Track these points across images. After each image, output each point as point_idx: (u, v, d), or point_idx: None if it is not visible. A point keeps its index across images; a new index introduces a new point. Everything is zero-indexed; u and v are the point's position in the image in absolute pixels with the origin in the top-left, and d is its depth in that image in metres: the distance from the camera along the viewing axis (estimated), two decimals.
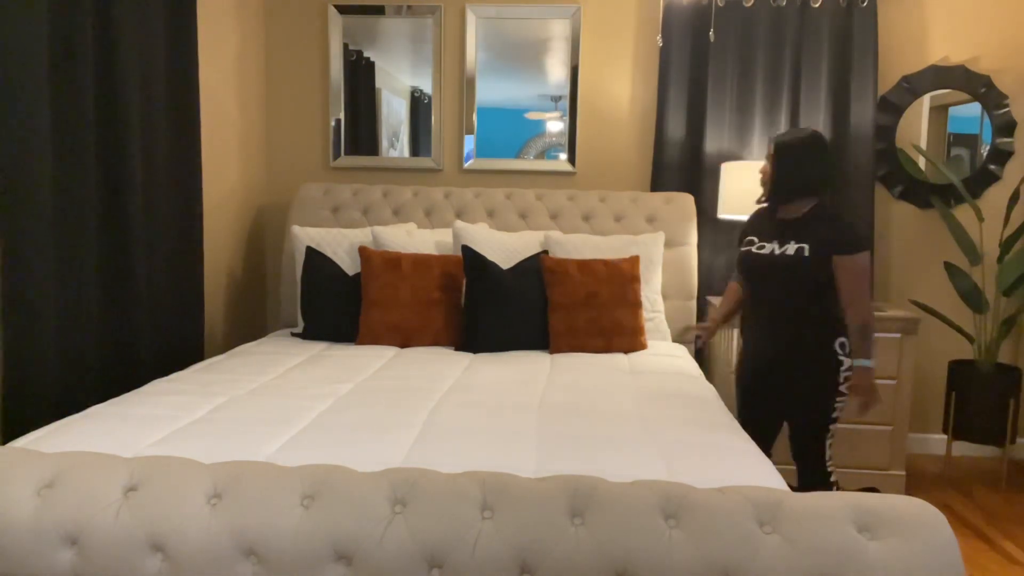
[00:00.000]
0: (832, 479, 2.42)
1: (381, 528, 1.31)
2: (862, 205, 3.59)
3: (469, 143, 3.83)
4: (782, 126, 3.63)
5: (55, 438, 1.77)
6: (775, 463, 1.89)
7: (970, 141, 3.73)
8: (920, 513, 1.30)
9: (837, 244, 2.28)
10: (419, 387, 2.35)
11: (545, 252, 3.21)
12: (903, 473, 3.26)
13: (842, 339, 2.32)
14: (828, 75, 3.58)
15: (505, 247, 3.19)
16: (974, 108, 3.65)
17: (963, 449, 3.74)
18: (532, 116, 3.80)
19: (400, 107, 3.86)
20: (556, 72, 3.76)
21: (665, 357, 2.93)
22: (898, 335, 3.21)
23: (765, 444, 2.53)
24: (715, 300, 3.49)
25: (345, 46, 3.82)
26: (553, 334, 2.98)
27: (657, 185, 3.70)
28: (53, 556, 1.34)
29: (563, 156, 3.81)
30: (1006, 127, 3.62)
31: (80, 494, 1.36)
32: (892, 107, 3.65)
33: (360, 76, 3.84)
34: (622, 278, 3.03)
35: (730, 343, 3.24)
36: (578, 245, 3.21)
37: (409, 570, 1.29)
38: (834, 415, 2.36)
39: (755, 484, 1.49)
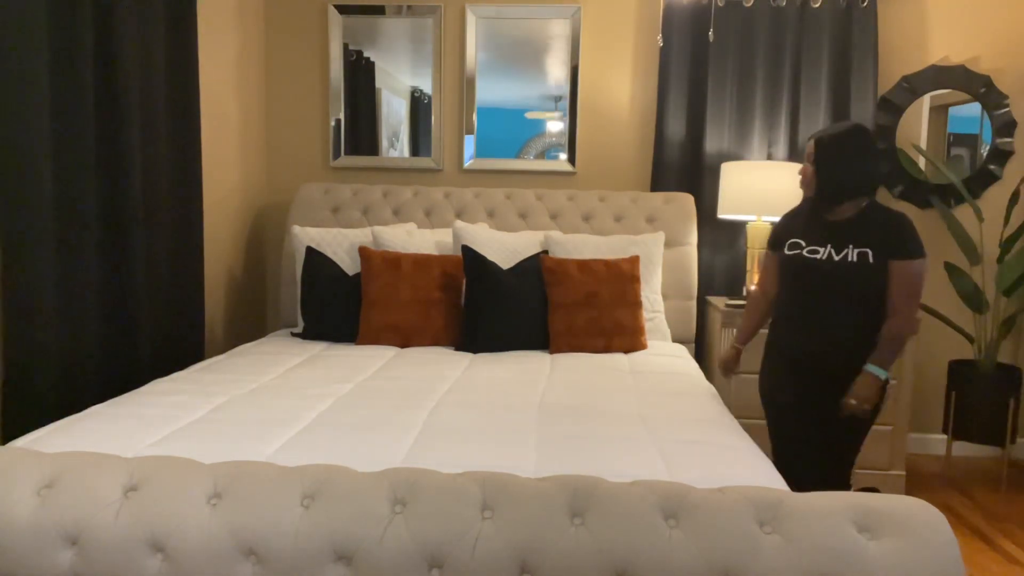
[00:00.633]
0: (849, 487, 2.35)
1: (381, 528, 1.30)
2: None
3: (469, 143, 3.83)
4: (782, 126, 3.63)
5: (55, 438, 1.77)
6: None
7: (970, 141, 3.73)
8: (920, 513, 1.30)
9: (897, 247, 2.13)
10: (419, 387, 2.35)
11: (545, 252, 3.21)
12: (903, 473, 3.26)
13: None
14: (828, 75, 3.58)
15: (505, 247, 3.19)
16: (974, 108, 3.65)
17: (963, 449, 3.74)
18: (532, 116, 3.80)
19: (400, 107, 3.86)
20: (556, 72, 3.76)
21: (665, 357, 2.93)
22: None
23: (800, 463, 2.28)
24: (716, 300, 3.49)
25: (345, 46, 3.82)
26: (553, 334, 2.98)
27: (657, 185, 3.70)
28: (53, 556, 1.34)
29: (563, 156, 3.81)
30: (1006, 127, 3.62)
31: (80, 494, 1.36)
32: (892, 107, 3.65)
33: (360, 76, 3.84)
34: (622, 278, 3.03)
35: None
36: (578, 245, 3.21)
37: (409, 570, 1.28)
38: (867, 430, 2.27)
39: (755, 484, 1.49)
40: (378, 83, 3.84)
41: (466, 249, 3.04)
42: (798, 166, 3.39)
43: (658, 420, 2.07)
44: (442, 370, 2.60)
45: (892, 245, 2.13)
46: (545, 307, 3.02)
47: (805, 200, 2.31)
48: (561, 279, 3.00)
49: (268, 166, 3.94)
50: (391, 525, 1.31)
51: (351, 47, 3.82)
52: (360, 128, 3.88)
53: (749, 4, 3.57)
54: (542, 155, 3.83)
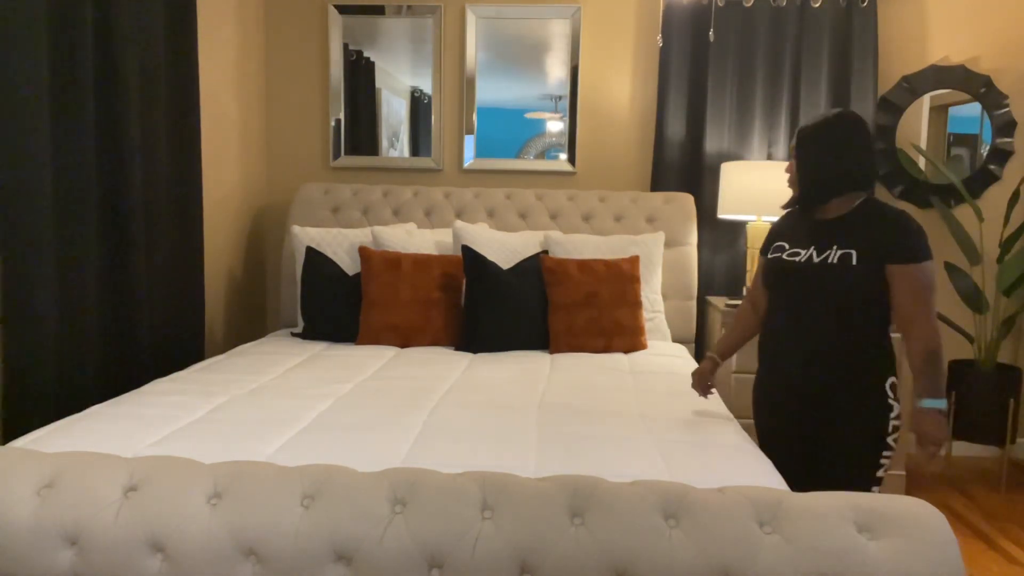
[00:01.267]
0: None
1: (381, 528, 1.30)
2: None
3: (469, 143, 3.83)
4: (782, 126, 3.63)
5: (55, 438, 1.77)
6: (774, 463, 1.89)
7: (970, 141, 3.73)
8: (920, 513, 1.30)
9: (892, 250, 1.87)
10: (419, 387, 2.35)
11: (545, 252, 3.21)
12: (903, 473, 3.26)
13: (893, 379, 1.94)
14: (828, 75, 3.58)
15: (505, 247, 3.19)
16: (974, 108, 3.65)
17: (963, 449, 3.74)
18: (532, 116, 3.80)
19: (400, 107, 3.86)
20: (556, 72, 3.76)
21: (665, 357, 2.93)
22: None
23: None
24: (716, 300, 3.49)
25: (345, 46, 3.82)
26: (553, 334, 2.98)
27: (657, 185, 3.70)
28: (53, 556, 1.34)
29: (563, 156, 3.81)
30: (1006, 127, 3.62)
31: (80, 494, 1.36)
32: (892, 107, 3.65)
33: (360, 76, 3.84)
34: (622, 278, 3.03)
35: None
36: (578, 245, 3.21)
37: (409, 570, 1.28)
38: (878, 474, 1.95)
39: (755, 484, 1.49)
40: (378, 83, 3.84)
41: (466, 249, 3.04)
42: None
43: (658, 420, 2.07)
44: (442, 370, 2.60)
45: (886, 247, 1.87)
46: (545, 307, 3.02)
47: (792, 199, 2.08)
48: (561, 279, 3.00)
49: (268, 166, 3.94)
50: (391, 525, 1.31)
51: (351, 47, 3.82)
52: (360, 128, 3.88)
53: (749, 4, 3.57)
54: (542, 155, 3.83)
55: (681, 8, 3.61)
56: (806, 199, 2.02)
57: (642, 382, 2.52)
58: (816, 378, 1.97)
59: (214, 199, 3.40)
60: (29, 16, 2.13)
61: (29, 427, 2.11)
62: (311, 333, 3.11)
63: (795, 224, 2.07)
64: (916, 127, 3.69)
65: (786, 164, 3.37)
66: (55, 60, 2.25)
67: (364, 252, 3.09)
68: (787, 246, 2.04)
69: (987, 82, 3.59)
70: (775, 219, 3.43)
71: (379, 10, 3.79)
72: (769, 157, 3.64)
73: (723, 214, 3.49)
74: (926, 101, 3.66)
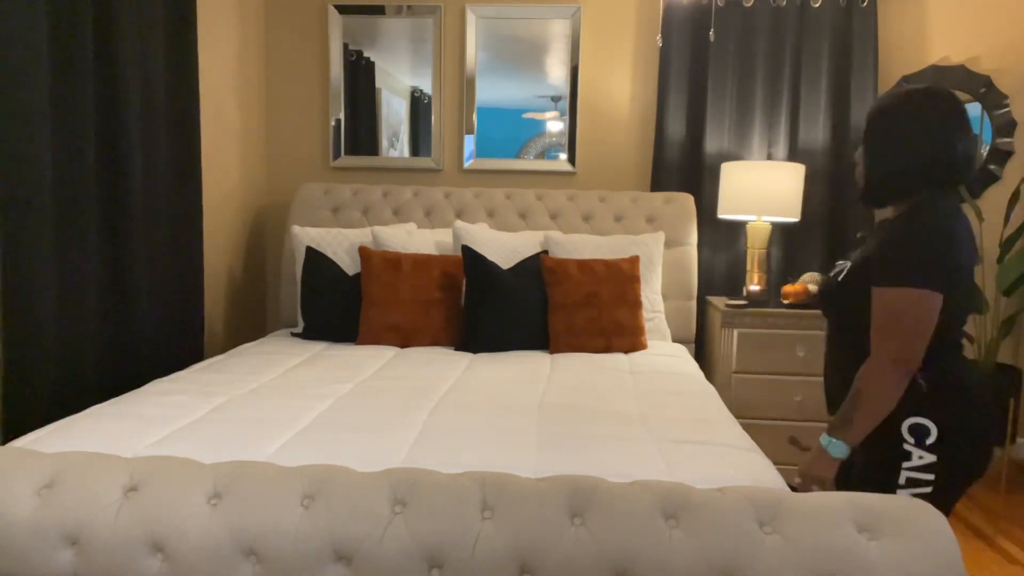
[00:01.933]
0: None
1: (381, 528, 1.30)
2: (862, 205, 3.58)
3: (469, 143, 3.83)
4: (782, 126, 3.63)
5: (55, 438, 1.77)
6: (774, 462, 1.89)
7: None
8: (920, 513, 1.29)
9: (879, 269, 1.60)
10: (419, 387, 2.34)
11: (545, 252, 3.21)
12: None
13: (916, 420, 1.59)
14: (828, 75, 3.58)
15: (505, 247, 3.19)
16: (974, 108, 3.65)
17: None
18: (532, 116, 3.80)
19: (400, 107, 3.86)
20: (556, 72, 3.76)
21: (665, 357, 2.93)
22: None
23: None
24: (716, 300, 3.49)
25: (345, 46, 3.82)
26: (553, 334, 2.98)
27: (657, 185, 3.70)
28: (53, 556, 1.34)
29: (563, 156, 3.81)
30: (1006, 127, 3.62)
31: (80, 494, 1.36)
32: None
33: (360, 76, 3.84)
34: (622, 278, 3.03)
35: (731, 344, 3.24)
36: (578, 245, 3.21)
37: (409, 570, 1.28)
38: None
39: (755, 484, 1.49)
40: (378, 83, 3.84)
41: (466, 249, 3.04)
42: (798, 166, 3.41)
43: (658, 420, 2.07)
44: (442, 370, 2.60)
45: (875, 264, 1.62)
46: (545, 307, 3.02)
47: (862, 200, 1.78)
48: (561, 279, 3.00)
49: (268, 166, 3.94)
50: (391, 525, 1.31)
51: (351, 47, 3.82)
52: (360, 128, 3.88)
53: (749, 4, 3.57)
54: (542, 155, 3.83)
55: (681, 8, 3.61)
56: (866, 196, 1.73)
57: (642, 382, 2.52)
58: (835, 410, 1.74)
59: (214, 199, 3.40)
60: (29, 16, 2.13)
61: (29, 427, 2.11)
62: (311, 333, 3.11)
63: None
64: None
65: (794, 167, 3.41)
66: (55, 60, 2.25)
67: (364, 252, 3.09)
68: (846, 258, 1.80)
69: (987, 82, 3.59)
70: (775, 219, 3.46)
71: (379, 10, 3.79)
72: (769, 157, 3.64)
73: (723, 214, 3.49)
74: None
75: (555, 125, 3.80)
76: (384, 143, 3.88)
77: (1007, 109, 3.60)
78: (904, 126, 1.64)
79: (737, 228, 3.68)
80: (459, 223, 3.25)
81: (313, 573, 1.30)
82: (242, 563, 1.32)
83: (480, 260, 3.02)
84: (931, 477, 1.59)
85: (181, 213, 2.96)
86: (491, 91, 3.79)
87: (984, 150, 3.67)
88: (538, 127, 3.81)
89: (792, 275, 3.61)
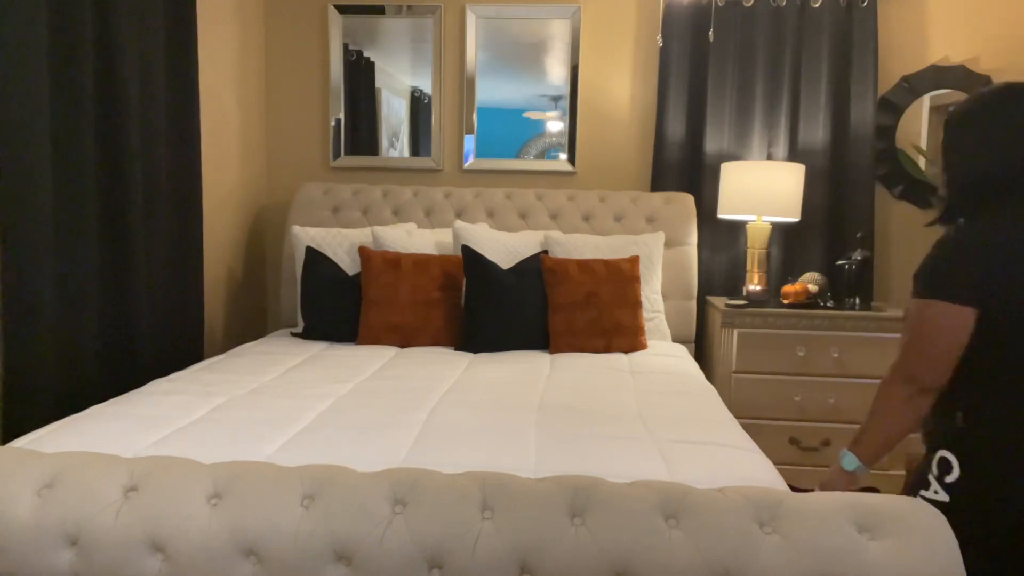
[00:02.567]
0: None
1: (381, 528, 1.30)
2: (862, 205, 3.59)
3: (469, 143, 3.83)
4: (782, 126, 3.63)
5: (55, 438, 1.77)
6: (774, 462, 1.89)
7: None
8: (920, 513, 1.29)
9: (914, 279, 1.53)
10: (419, 387, 2.34)
11: (545, 252, 3.21)
12: (903, 473, 3.25)
13: (945, 453, 1.50)
14: (828, 75, 3.58)
15: (505, 247, 3.19)
16: None
17: None
18: (532, 116, 3.80)
19: (400, 107, 3.86)
20: (556, 72, 3.76)
21: (665, 357, 2.93)
22: (898, 335, 3.21)
23: None
24: (716, 300, 3.49)
25: (345, 46, 3.82)
26: (553, 334, 2.98)
27: (657, 185, 3.70)
28: (53, 556, 1.34)
29: (563, 156, 3.81)
30: None
31: (80, 494, 1.36)
32: (892, 107, 3.65)
33: (360, 76, 3.84)
34: (622, 278, 3.03)
35: (731, 344, 3.24)
36: (578, 245, 3.21)
37: (409, 570, 1.28)
38: None
39: (755, 484, 1.49)
40: (378, 83, 3.84)
41: (466, 249, 3.04)
42: (798, 166, 3.41)
43: (658, 420, 2.07)
44: (442, 370, 2.60)
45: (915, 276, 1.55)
46: (545, 307, 3.02)
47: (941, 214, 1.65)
48: (561, 279, 3.00)
49: (268, 166, 3.94)
50: (391, 525, 1.31)
51: (351, 47, 3.82)
52: (360, 128, 3.88)
53: (749, 4, 3.57)
54: (542, 155, 3.83)
55: (681, 8, 3.61)
56: (950, 212, 1.57)
57: (642, 382, 2.52)
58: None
59: (214, 199, 3.40)
60: (29, 17, 2.12)
61: (29, 427, 2.11)
62: (311, 333, 3.11)
63: None
64: (916, 127, 3.68)
65: (794, 167, 3.41)
66: (55, 60, 2.25)
67: (364, 252, 3.09)
68: None
69: (987, 82, 3.58)
70: (775, 219, 3.46)
71: (379, 10, 3.79)
72: (769, 157, 3.64)
73: (723, 214, 3.49)
74: (926, 101, 3.66)
75: (555, 125, 3.80)
76: (384, 143, 3.88)
77: None
78: (985, 128, 1.50)
79: (737, 228, 3.68)
80: (459, 223, 3.25)
81: (313, 573, 1.30)
82: (242, 563, 1.32)
83: (480, 260, 3.02)
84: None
85: (181, 213, 2.96)
86: (491, 91, 3.79)
87: None
88: (538, 127, 3.81)
89: (792, 275, 3.61)
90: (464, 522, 1.30)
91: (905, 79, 3.63)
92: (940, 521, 1.28)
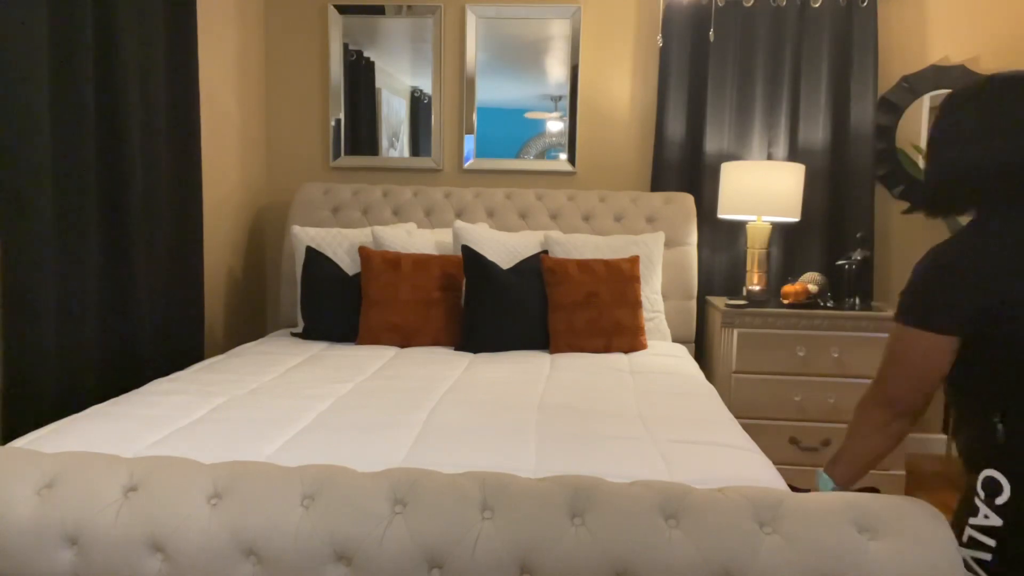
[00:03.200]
0: None
1: (381, 528, 1.30)
2: (862, 205, 3.59)
3: (469, 143, 3.83)
4: (782, 126, 3.63)
5: (55, 438, 1.77)
6: (774, 462, 1.89)
7: None
8: (920, 513, 1.29)
9: (899, 298, 1.44)
10: (419, 387, 2.34)
11: (545, 252, 3.21)
12: (903, 473, 3.25)
13: (991, 472, 1.33)
14: (828, 75, 3.58)
15: (505, 247, 3.19)
16: None
17: None
18: (532, 116, 3.80)
19: (400, 107, 3.86)
20: (556, 72, 3.76)
21: (665, 357, 2.93)
22: (894, 322, 3.20)
23: None
24: (716, 300, 3.49)
25: (345, 46, 3.82)
26: (553, 334, 2.98)
27: (657, 185, 3.70)
28: (53, 556, 1.34)
29: (563, 156, 3.81)
30: None
31: (80, 494, 1.36)
32: (892, 107, 3.65)
33: (360, 76, 3.84)
34: (622, 278, 3.03)
35: (731, 344, 3.24)
36: (578, 245, 3.21)
37: (409, 570, 1.28)
38: None
39: (755, 484, 1.49)
40: (378, 83, 3.84)
41: (466, 249, 3.04)
42: (798, 166, 3.41)
43: (658, 420, 2.07)
44: (442, 370, 2.60)
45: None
46: (545, 307, 3.02)
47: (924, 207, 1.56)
48: (561, 279, 3.00)
49: (268, 166, 3.94)
50: (391, 525, 1.31)
51: (351, 47, 3.82)
52: (360, 128, 3.88)
53: (749, 4, 3.57)
54: (542, 155, 3.83)
55: (681, 8, 3.61)
56: (930, 203, 1.48)
57: (642, 382, 2.52)
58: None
59: (214, 199, 3.40)
60: (29, 16, 2.12)
61: (29, 427, 2.11)
62: (311, 333, 3.11)
63: None
64: (916, 127, 3.68)
65: (794, 167, 3.42)
66: (55, 59, 2.25)
67: (364, 252, 3.09)
68: None
69: None
70: (775, 219, 3.47)
71: (379, 10, 3.79)
72: (769, 157, 3.64)
73: (723, 214, 3.49)
74: (926, 101, 3.66)
75: (555, 125, 3.80)
76: (384, 143, 3.88)
77: None
78: (977, 116, 1.34)
79: (737, 228, 3.68)
80: (459, 223, 3.25)
81: (313, 573, 1.30)
82: (242, 563, 1.32)
83: (480, 260, 3.02)
84: (992, 544, 1.32)
85: (181, 213, 2.96)
86: (491, 91, 3.79)
87: None
88: (538, 127, 3.81)
89: (792, 275, 3.61)
90: (464, 522, 1.30)
91: (905, 79, 3.63)
92: (940, 521, 1.28)
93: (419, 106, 3.84)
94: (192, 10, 2.94)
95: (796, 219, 3.43)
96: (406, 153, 3.88)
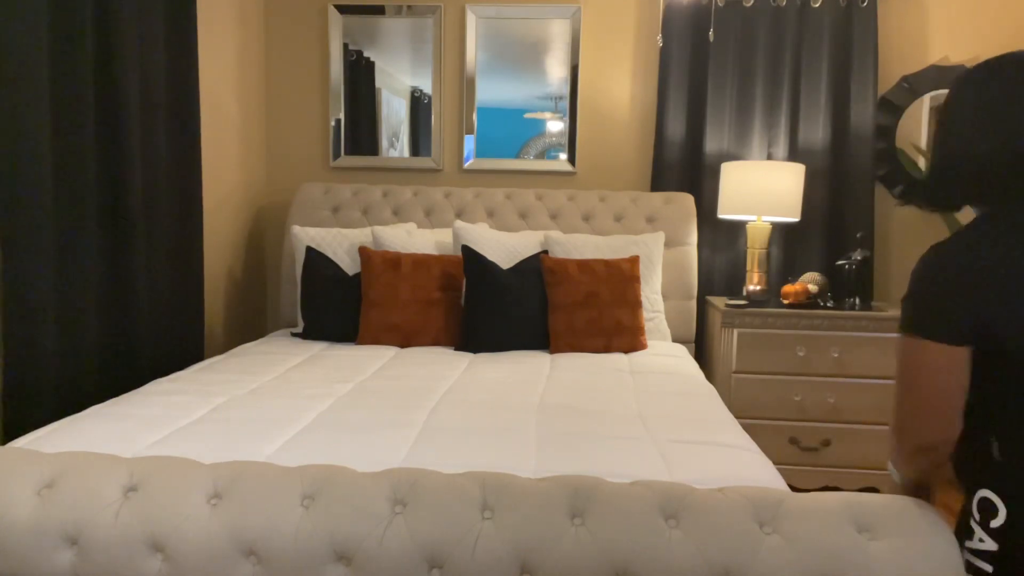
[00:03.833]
0: None
1: (381, 528, 1.30)
2: (862, 205, 3.59)
3: (469, 143, 3.83)
4: (782, 126, 3.63)
5: (55, 438, 1.77)
6: (774, 462, 1.89)
7: None
8: (920, 513, 1.29)
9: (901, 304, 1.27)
10: (419, 387, 2.34)
11: (545, 252, 3.21)
12: None
13: (985, 493, 1.22)
14: (828, 75, 3.58)
15: (505, 247, 3.19)
16: None
17: None
18: (532, 116, 3.80)
19: (400, 107, 3.86)
20: (556, 72, 3.76)
21: (665, 357, 2.93)
22: (898, 334, 3.20)
23: None
24: (716, 300, 3.49)
25: (345, 46, 3.82)
26: (553, 334, 2.98)
27: (657, 185, 3.70)
28: (53, 556, 1.34)
29: (563, 156, 3.81)
30: None
31: (80, 494, 1.36)
32: (892, 107, 3.65)
33: (360, 76, 3.84)
34: (622, 278, 3.03)
35: (731, 344, 3.24)
36: (578, 245, 3.21)
37: (409, 570, 1.28)
38: None
39: (755, 484, 1.49)
40: (378, 83, 3.84)
41: (466, 249, 3.04)
42: (798, 166, 3.41)
43: (658, 420, 2.07)
44: (442, 370, 2.60)
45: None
46: (545, 307, 3.02)
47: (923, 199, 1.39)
48: (561, 279, 3.00)
49: (268, 166, 3.94)
50: (391, 525, 1.31)
51: (351, 47, 3.82)
52: (360, 128, 3.88)
53: (749, 4, 3.57)
54: (542, 155, 3.83)
55: (681, 8, 3.61)
56: (928, 194, 1.33)
57: (642, 382, 2.52)
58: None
59: (214, 199, 3.40)
60: (29, 17, 2.12)
61: (29, 427, 2.11)
62: (311, 333, 3.11)
63: None
64: (916, 127, 3.68)
65: (794, 167, 3.41)
66: (55, 60, 2.25)
67: (364, 252, 3.09)
68: None
69: None
70: (775, 219, 3.47)
71: (379, 10, 3.79)
72: (769, 157, 3.64)
73: (723, 214, 3.49)
74: (926, 101, 3.66)
75: (555, 125, 3.80)
76: (384, 143, 3.88)
77: None
78: (986, 101, 1.18)
79: (737, 228, 3.68)
80: (459, 223, 3.25)
81: (313, 573, 1.30)
82: (242, 563, 1.32)
83: (480, 260, 3.02)
84: (990, 569, 1.22)
85: (181, 213, 2.96)
86: (491, 91, 3.79)
87: None
88: (538, 127, 3.81)
89: (792, 275, 3.61)
90: (464, 522, 1.30)
91: (905, 79, 3.63)
92: (940, 521, 1.28)
93: (419, 106, 3.84)
94: (192, 10, 2.94)
95: (796, 219, 3.43)
96: (406, 153, 3.88)
